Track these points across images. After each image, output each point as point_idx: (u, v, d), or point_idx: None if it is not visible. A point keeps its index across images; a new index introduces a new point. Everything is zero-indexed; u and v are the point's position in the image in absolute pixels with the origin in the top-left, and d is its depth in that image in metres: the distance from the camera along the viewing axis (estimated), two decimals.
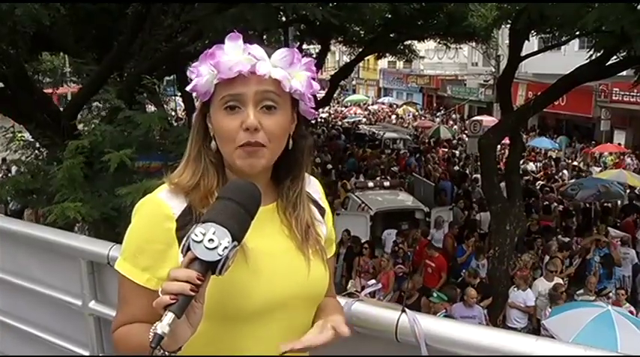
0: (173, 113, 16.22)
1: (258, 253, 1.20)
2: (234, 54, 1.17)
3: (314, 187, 1.40)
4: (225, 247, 1.01)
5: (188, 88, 1.22)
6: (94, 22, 9.04)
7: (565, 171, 17.88)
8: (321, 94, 18.83)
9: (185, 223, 1.18)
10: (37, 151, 7.49)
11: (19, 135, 7.38)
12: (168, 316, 0.96)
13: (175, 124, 9.17)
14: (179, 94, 17.09)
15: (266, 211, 1.24)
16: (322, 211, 1.39)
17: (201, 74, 1.19)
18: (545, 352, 1.29)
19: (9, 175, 12.48)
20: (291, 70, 1.20)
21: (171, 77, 15.96)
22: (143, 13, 7.36)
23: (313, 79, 1.24)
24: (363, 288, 7.94)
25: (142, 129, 6.38)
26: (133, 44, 7.76)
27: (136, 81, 7.26)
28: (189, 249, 1.01)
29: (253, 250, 1.19)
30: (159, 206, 1.21)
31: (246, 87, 1.17)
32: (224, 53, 1.17)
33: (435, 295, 8.13)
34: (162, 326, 0.95)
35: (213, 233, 1.01)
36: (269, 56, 1.19)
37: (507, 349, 1.33)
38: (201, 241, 1.00)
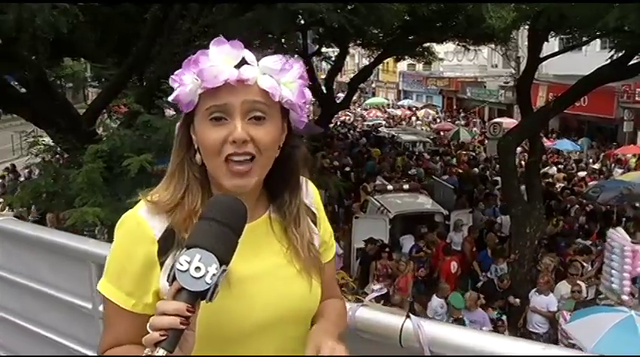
0: None
1: (249, 273, 1.13)
2: (220, 60, 1.09)
3: (308, 191, 1.31)
4: (214, 275, 0.93)
5: (170, 98, 1.13)
6: (114, 27, 9.14)
7: (584, 173, 17.60)
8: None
9: (167, 246, 1.11)
10: (57, 155, 7.59)
11: (40, 139, 7.49)
12: (160, 353, 0.90)
13: None
14: None
15: (255, 226, 1.18)
16: (314, 217, 1.30)
17: (185, 83, 1.10)
18: None
19: (30, 179, 12.58)
20: (280, 77, 1.12)
21: None
22: (161, 17, 7.43)
23: (306, 87, 1.16)
24: None
25: (161, 133, 6.43)
26: (151, 49, 7.83)
27: (155, 85, 7.32)
28: (175, 279, 0.94)
29: (243, 270, 1.11)
30: (139, 225, 1.13)
31: (232, 97, 1.08)
32: (208, 60, 1.09)
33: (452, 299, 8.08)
34: None
35: (199, 260, 0.93)
36: (258, 62, 1.11)
37: (513, 355, 1.30)
38: (187, 270, 0.93)
